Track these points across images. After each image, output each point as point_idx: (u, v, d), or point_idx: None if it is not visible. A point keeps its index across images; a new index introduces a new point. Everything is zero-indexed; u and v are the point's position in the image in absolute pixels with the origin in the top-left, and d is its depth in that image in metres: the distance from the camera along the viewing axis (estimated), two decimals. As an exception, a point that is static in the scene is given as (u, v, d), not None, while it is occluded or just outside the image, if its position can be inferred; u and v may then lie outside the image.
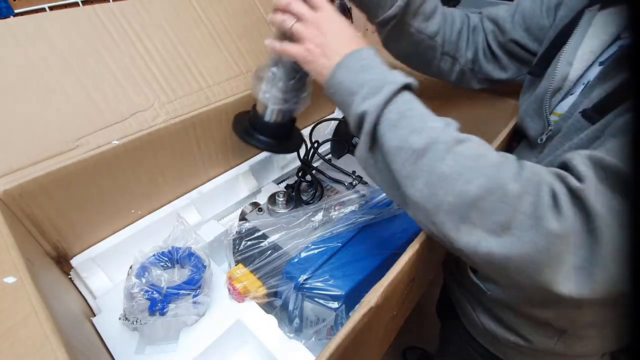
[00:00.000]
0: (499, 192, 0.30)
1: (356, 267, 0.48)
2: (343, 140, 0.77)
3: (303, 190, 0.62)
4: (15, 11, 1.27)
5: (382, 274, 0.36)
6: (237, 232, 0.56)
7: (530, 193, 0.30)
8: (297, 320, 0.49)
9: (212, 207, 0.69)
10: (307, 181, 0.63)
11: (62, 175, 0.48)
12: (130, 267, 0.49)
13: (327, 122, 0.84)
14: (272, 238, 0.53)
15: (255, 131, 0.58)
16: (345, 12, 1.09)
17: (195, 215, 0.66)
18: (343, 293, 0.45)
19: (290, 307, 0.49)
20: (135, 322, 0.45)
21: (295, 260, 0.49)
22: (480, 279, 0.54)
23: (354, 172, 0.65)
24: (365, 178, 0.64)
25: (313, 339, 0.49)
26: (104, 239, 0.57)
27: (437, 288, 0.85)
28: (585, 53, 0.43)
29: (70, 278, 0.54)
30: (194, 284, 0.48)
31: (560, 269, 0.29)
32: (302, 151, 0.67)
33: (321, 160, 0.68)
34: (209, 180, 0.70)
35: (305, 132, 0.83)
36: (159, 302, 0.45)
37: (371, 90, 0.37)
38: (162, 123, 0.57)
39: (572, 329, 0.47)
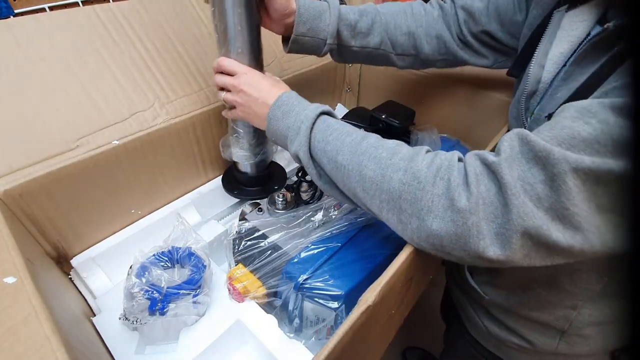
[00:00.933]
0: (415, 182, 0.35)
1: (356, 267, 0.48)
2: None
3: (303, 190, 0.62)
4: (15, 11, 1.27)
5: (382, 273, 0.37)
6: (237, 232, 0.56)
7: (442, 177, 0.34)
8: (297, 320, 0.49)
9: (212, 207, 0.69)
10: (307, 181, 0.63)
11: (62, 175, 0.48)
12: (130, 267, 0.49)
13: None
14: (272, 238, 0.53)
15: (242, 185, 0.67)
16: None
17: (195, 215, 0.66)
18: (343, 293, 0.45)
19: (290, 307, 0.49)
20: (135, 322, 0.45)
21: (295, 260, 0.49)
22: (477, 283, 0.55)
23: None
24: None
25: (313, 339, 0.49)
26: (104, 239, 0.57)
27: (438, 288, 0.84)
28: (555, 55, 0.43)
29: (70, 278, 0.54)
30: (194, 284, 0.48)
31: (482, 237, 0.32)
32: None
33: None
34: (209, 181, 0.70)
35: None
36: (159, 302, 0.45)
37: (294, 132, 0.43)
38: (162, 123, 0.57)
39: (572, 328, 0.48)
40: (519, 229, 0.30)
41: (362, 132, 0.42)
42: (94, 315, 0.50)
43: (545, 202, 0.30)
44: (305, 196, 0.62)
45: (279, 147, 0.65)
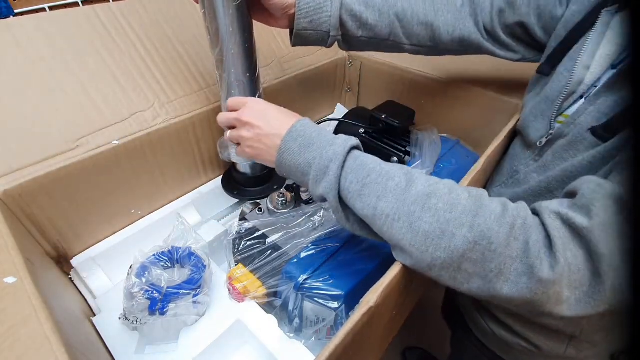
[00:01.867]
0: (485, 242, 0.31)
1: (356, 267, 0.48)
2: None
3: (303, 190, 0.62)
4: (15, 11, 1.27)
5: (382, 273, 0.36)
6: (237, 232, 0.56)
7: (517, 238, 0.31)
8: (297, 320, 0.49)
9: (212, 207, 0.69)
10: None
11: (62, 175, 0.48)
12: (130, 267, 0.49)
13: (327, 122, 0.84)
14: (272, 238, 0.53)
15: (242, 186, 0.67)
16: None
17: (195, 215, 0.66)
18: (343, 293, 0.45)
19: (290, 307, 0.49)
20: (135, 322, 0.45)
21: (295, 260, 0.49)
22: None
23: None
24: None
25: (313, 339, 0.49)
26: (104, 239, 0.57)
27: (438, 289, 0.84)
28: (602, 57, 0.42)
29: (70, 278, 0.54)
30: (194, 284, 0.48)
31: (561, 303, 0.30)
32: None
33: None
34: (209, 181, 0.70)
35: (305, 132, 0.84)
36: (159, 302, 0.45)
37: (320, 171, 0.38)
38: (162, 123, 0.57)
39: (582, 334, 0.47)
40: (610, 302, 0.28)
41: (403, 172, 0.37)
42: (94, 315, 0.50)
43: None
44: (305, 196, 0.62)
45: None
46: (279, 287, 0.49)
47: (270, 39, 0.77)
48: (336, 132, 0.82)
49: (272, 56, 0.75)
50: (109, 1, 0.62)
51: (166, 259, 0.51)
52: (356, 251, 0.51)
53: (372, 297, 0.34)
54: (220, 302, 0.52)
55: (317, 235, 0.52)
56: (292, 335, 0.49)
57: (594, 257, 0.28)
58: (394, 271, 0.36)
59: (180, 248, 0.52)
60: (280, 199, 0.60)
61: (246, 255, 0.53)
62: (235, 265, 0.54)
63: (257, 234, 0.54)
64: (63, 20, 0.53)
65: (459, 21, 0.56)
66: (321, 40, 0.55)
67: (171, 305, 0.45)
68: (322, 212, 0.55)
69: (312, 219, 0.55)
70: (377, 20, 0.54)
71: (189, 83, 0.62)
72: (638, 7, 0.27)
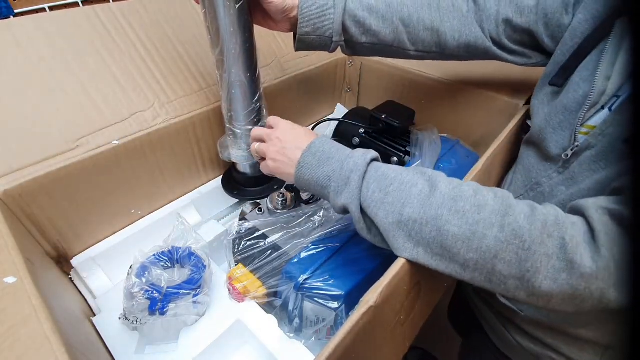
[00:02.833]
0: (517, 240, 0.31)
1: (356, 267, 0.48)
2: (343, 141, 0.77)
3: (303, 191, 0.62)
4: (15, 11, 1.27)
5: (383, 274, 0.36)
6: (237, 232, 0.56)
7: (551, 235, 0.30)
8: (297, 320, 0.49)
9: (212, 207, 0.69)
10: (305, 191, 0.63)
11: (62, 175, 0.48)
12: (130, 267, 0.49)
13: (327, 122, 0.84)
14: (272, 238, 0.53)
15: (242, 186, 0.67)
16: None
17: (195, 215, 0.66)
18: (343, 293, 0.45)
19: (290, 307, 0.49)
20: (135, 322, 0.45)
21: (295, 260, 0.49)
22: (512, 301, 0.52)
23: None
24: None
25: (313, 339, 0.49)
26: (104, 239, 0.57)
27: (445, 295, 0.83)
28: (622, 67, 0.41)
29: (70, 278, 0.54)
30: (194, 284, 0.48)
31: (607, 302, 0.29)
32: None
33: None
34: (209, 181, 0.70)
35: (305, 132, 0.83)
36: (159, 302, 0.45)
37: (341, 182, 0.39)
38: (162, 123, 0.57)
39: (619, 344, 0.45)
40: None
41: (424, 178, 0.37)
42: (94, 315, 0.50)
43: None
44: (305, 196, 0.62)
45: None
46: (279, 287, 0.49)
47: (270, 39, 0.77)
48: (336, 132, 0.82)
49: (272, 56, 0.75)
50: (109, 1, 0.62)
51: (166, 259, 0.51)
52: (356, 251, 0.51)
53: (372, 296, 0.34)
54: (220, 302, 0.52)
55: (317, 235, 0.52)
56: (292, 335, 0.49)
57: None
58: (394, 270, 0.36)
59: (180, 248, 0.52)
60: (280, 199, 0.60)
61: (246, 255, 0.53)
62: (235, 265, 0.54)
63: (257, 234, 0.54)
64: (63, 20, 0.53)
65: (465, 27, 0.55)
66: (324, 45, 0.55)
67: (171, 305, 0.45)
68: (322, 212, 0.55)
69: (312, 219, 0.55)
70: (381, 26, 0.54)
71: (189, 83, 0.62)
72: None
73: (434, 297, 0.57)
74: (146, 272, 0.48)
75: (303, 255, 0.49)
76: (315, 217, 0.55)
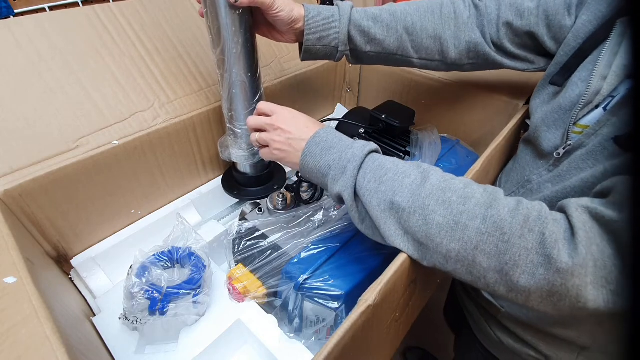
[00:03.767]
0: (498, 233, 0.31)
1: (356, 267, 0.48)
2: (343, 140, 0.77)
3: (303, 190, 0.62)
4: (15, 11, 1.27)
5: (382, 273, 0.36)
6: (237, 232, 0.56)
7: (532, 229, 0.31)
8: (297, 320, 0.49)
9: (212, 207, 0.69)
10: (307, 181, 0.63)
11: (62, 175, 0.48)
12: (130, 267, 0.49)
13: (327, 122, 0.84)
14: (272, 238, 0.53)
15: (242, 186, 0.67)
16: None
17: (195, 215, 0.66)
18: (343, 293, 0.45)
19: (290, 307, 0.49)
20: (135, 322, 0.45)
21: (295, 260, 0.49)
22: (494, 296, 0.53)
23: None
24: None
25: (313, 339, 0.49)
26: (104, 239, 0.57)
27: (443, 292, 0.83)
28: (619, 67, 0.41)
29: (71, 278, 0.54)
30: (194, 284, 0.48)
31: (584, 301, 0.29)
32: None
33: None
34: (209, 181, 0.70)
35: (305, 132, 0.83)
36: (159, 302, 0.45)
37: (338, 171, 0.40)
38: (162, 123, 0.57)
39: (595, 345, 0.46)
40: None
41: (419, 170, 0.38)
42: (94, 315, 0.50)
43: None
44: (305, 196, 0.62)
45: None
46: (279, 287, 0.49)
47: (270, 39, 0.77)
48: (336, 132, 0.82)
49: (272, 56, 0.76)
50: (109, 1, 0.62)
51: (166, 259, 0.51)
52: (356, 251, 0.51)
53: (370, 295, 0.34)
54: (220, 302, 0.52)
55: (317, 235, 0.52)
56: (292, 335, 0.49)
57: (621, 246, 0.28)
58: (392, 269, 0.36)
59: (180, 248, 0.52)
60: (280, 199, 0.60)
61: (246, 255, 0.53)
62: (235, 265, 0.54)
63: (257, 234, 0.54)
64: (63, 20, 0.53)
65: (465, 33, 0.56)
66: (330, 55, 0.57)
67: (171, 305, 0.45)
68: (322, 212, 0.55)
69: (312, 219, 0.55)
70: (386, 35, 0.55)
71: (189, 83, 0.62)
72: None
73: (427, 294, 0.58)
74: (146, 272, 0.48)
75: (303, 255, 0.49)
76: (315, 217, 0.55)
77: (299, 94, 0.82)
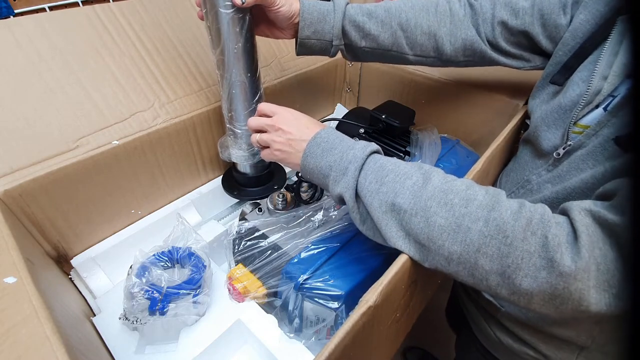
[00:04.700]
0: (500, 235, 0.31)
1: (356, 267, 0.48)
2: (343, 140, 0.77)
3: (303, 190, 0.62)
4: (15, 11, 1.27)
5: (383, 273, 0.36)
6: (237, 232, 0.56)
7: (534, 232, 0.30)
8: (297, 320, 0.49)
9: (212, 207, 0.69)
10: (307, 181, 0.63)
11: (62, 175, 0.48)
12: (130, 267, 0.49)
13: (326, 122, 0.84)
14: (272, 238, 0.53)
15: (242, 186, 0.67)
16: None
17: (195, 216, 0.66)
18: (343, 293, 0.45)
19: (290, 307, 0.49)
20: (135, 322, 0.45)
21: (295, 260, 0.49)
22: (493, 295, 0.53)
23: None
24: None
25: (313, 339, 0.49)
26: (104, 239, 0.57)
27: (444, 292, 0.83)
28: (619, 66, 0.41)
29: (71, 278, 0.54)
30: (194, 284, 0.48)
31: (586, 304, 0.29)
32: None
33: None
34: (209, 181, 0.70)
35: (305, 132, 0.83)
36: (159, 302, 0.45)
37: (339, 172, 0.40)
38: (162, 123, 0.57)
39: (594, 345, 0.46)
40: None
41: (421, 171, 0.38)
42: (94, 315, 0.50)
43: None
44: (305, 196, 0.62)
45: None
46: (279, 287, 0.49)
47: (270, 39, 0.77)
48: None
49: (272, 56, 0.76)
50: (109, 1, 0.62)
51: (166, 259, 0.51)
52: (356, 251, 0.51)
53: (371, 296, 0.34)
54: (220, 302, 0.52)
55: (317, 235, 0.52)
56: (292, 335, 0.49)
57: (624, 251, 0.27)
58: (393, 270, 0.36)
59: (180, 248, 0.52)
60: (280, 199, 0.60)
61: (246, 255, 0.53)
62: (235, 265, 0.54)
63: (257, 234, 0.54)
64: (63, 20, 0.53)
65: (461, 31, 0.56)
66: (325, 49, 0.57)
67: (171, 305, 0.45)
68: (322, 212, 0.55)
69: (312, 219, 0.55)
70: (380, 30, 0.56)
71: (189, 83, 0.62)
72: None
73: (427, 294, 0.58)
74: (146, 272, 0.48)
75: (303, 255, 0.49)
76: (315, 217, 0.55)
77: (299, 94, 0.82)
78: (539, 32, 0.53)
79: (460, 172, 0.61)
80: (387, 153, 0.72)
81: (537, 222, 0.31)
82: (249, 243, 0.54)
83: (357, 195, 0.40)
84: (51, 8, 1.36)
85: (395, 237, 0.37)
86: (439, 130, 0.73)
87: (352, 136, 0.76)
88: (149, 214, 0.62)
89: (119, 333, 0.47)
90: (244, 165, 0.65)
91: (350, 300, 0.46)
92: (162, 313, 0.45)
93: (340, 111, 1.00)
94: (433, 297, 0.87)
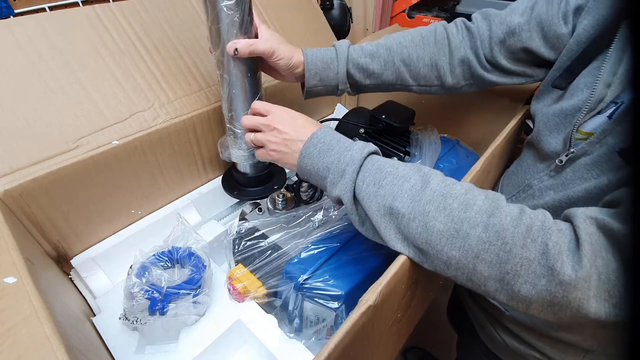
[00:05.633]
0: (499, 242, 0.31)
1: (356, 267, 0.48)
2: (343, 140, 0.77)
3: (303, 190, 0.62)
4: (15, 11, 1.27)
5: (383, 273, 0.36)
6: (237, 232, 0.56)
7: (534, 240, 0.30)
8: (297, 320, 0.49)
9: (212, 207, 0.69)
10: (307, 181, 0.63)
11: (62, 175, 0.48)
12: (130, 267, 0.49)
13: (327, 122, 0.84)
14: (272, 238, 0.53)
15: (242, 186, 0.67)
16: (345, 12, 1.09)
17: (195, 216, 0.66)
18: (343, 293, 0.45)
19: (290, 307, 0.49)
20: (135, 322, 0.45)
21: (295, 260, 0.49)
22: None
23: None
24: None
25: (313, 339, 0.49)
26: (104, 239, 0.57)
27: (444, 292, 0.83)
28: (622, 74, 0.40)
29: (71, 278, 0.54)
30: (194, 284, 0.48)
31: (585, 312, 0.29)
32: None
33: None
34: (209, 181, 0.70)
35: (305, 132, 0.83)
36: (159, 302, 0.45)
37: (337, 174, 0.40)
38: (162, 123, 0.57)
39: (599, 348, 0.46)
40: None
41: (419, 174, 0.37)
42: (94, 315, 0.50)
43: None
44: (305, 196, 0.62)
45: None
46: (279, 287, 0.49)
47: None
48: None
49: (272, 56, 0.75)
50: (109, 1, 0.62)
51: (166, 259, 0.51)
52: (356, 251, 0.51)
53: (370, 296, 0.34)
54: (220, 302, 0.52)
55: (317, 235, 0.52)
56: (292, 335, 0.49)
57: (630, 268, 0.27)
58: (392, 270, 0.36)
59: (180, 248, 0.52)
60: (280, 199, 0.60)
61: (246, 255, 0.53)
62: (235, 265, 0.54)
63: (257, 234, 0.54)
64: (63, 20, 0.53)
65: (459, 57, 0.57)
66: (331, 92, 0.59)
67: (171, 305, 0.45)
68: (322, 212, 0.55)
69: (312, 219, 0.55)
70: (383, 68, 0.57)
71: (189, 83, 0.62)
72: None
73: (429, 295, 0.57)
74: (146, 272, 0.48)
75: (303, 255, 0.49)
76: (315, 217, 0.55)
77: (299, 94, 0.82)
78: (540, 44, 0.53)
79: (460, 172, 0.62)
80: (387, 153, 0.72)
81: (537, 229, 0.31)
82: (249, 243, 0.54)
83: (355, 198, 0.39)
84: (51, 8, 1.36)
85: (394, 240, 0.37)
86: (439, 130, 0.73)
87: (352, 136, 0.77)
88: (149, 214, 0.62)
89: (119, 333, 0.47)
90: (244, 165, 0.65)
91: (350, 300, 0.46)
92: (162, 313, 0.45)
93: (340, 111, 1.00)
94: (435, 298, 0.87)
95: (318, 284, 0.46)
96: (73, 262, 0.54)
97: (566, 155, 0.46)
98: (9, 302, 0.31)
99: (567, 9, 0.50)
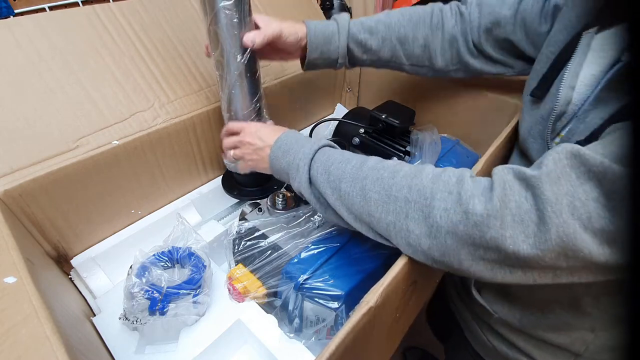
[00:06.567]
0: (421, 199, 0.34)
1: (356, 267, 0.48)
2: (343, 141, 0.77)
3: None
4: (15, 11, 1.27)
5: (383, 273, 0.36)
6: (237, 232, 0.56)
7: (451, 192, 0.33)
8: (297, 320, 0.49)
9: (212, 207, 0.69)
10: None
11: (62, 175, 0.48)
12: (130, 267, 0.49)
13: (327, 122, 0.84)
14: (272, 238, 0.53)
15: (242, 186, 0.68)
16: (345, 11, 1.09)
17: (195, 215, 0.66)
18: (343, 293, 0.45)
19: (290, 307, 0.49)
20: (135, 322, 0.45)
21: (295, 260, 0.49)
22: (486, 300, 0.53)
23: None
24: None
25: (313, 339, 0.49)
26: (104, 239, 0.57)
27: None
28: (587, 77, 0.42)
29: (71, 278, 0.54)
30: (194, 284, 0.48)
31: (502, 244, 0.30)
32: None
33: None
34: (209, 181, 0.70)
35: (306, 132, 0.83)
36: (159, 302, 0.45)
37: (294, 170, 0.44)
38: (162, 123, 0.57)
39: (588, 352, 0.46)
40: (556, 250, 0.28)
41: (362, 157, 0.41)
42: (94, 315, 0.50)
43: (596, 222, 0.27)
44: (305, 196, 0.62)
45: None
46: (279, 287, 0.49)
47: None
48: (336, 132, 0.82)
49: (272, 56, 0.75)
50: (109, 1, 0.62)
51: (166, 259, 0.51)
52: (356, 251, 0.51)
53: (372, 297, 0.34)
54: (220, 302, 0.52)
55: (318, 235, 0.52)
56: (292, 335, 0.49)
57: (539, 200, 0.29)
58: (394, 271, 0.36)
59: (180, 248, 0.52)
60: (280, 199, 0.60)
61: (246, 255, 0.53)
62: (235, 265, 0.54)
63: (257, 234, 0.54)
64: (63, 20, 0.53)
65: (450, 41, 0.60)
66: (330, 65, 0.61)
67: (171, 305, 0.45)
68: (322, 212, 0.55)
69: (312, 219, 0.55)
70: (381, 45, 0.60)
71: (189, 83, 0.62)
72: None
73: (425, 294, 0.58)
74: (146, 272, 0.48)
75: (303, 255, 0.49)
76: (315, 217, 0.55)
77: (299, 94, 0.82)
78: (522, 38, 0.56)
79: (460, 172, 0.61)
80: (387, 153, 0.72)
81: (453, 184, 0.33)
82: (249, 243, 0.54)
83: (316, 189, 0.42)
84: (51, 8, 1.36)
85: (348, 219, 0.40)
86: (439, 130, 0.73)
87: (352, 136, 0.77)
88: (149, 214, 0.62)
89: (119, 333, 0.47)
90: None
91: (350, 300, 0.46)
92: (162, 313, 0.45)
93: (340, 111, 1.00)
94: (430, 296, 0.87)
95: (318, 284, 0.46)
96: (73, 262, 0.54)
97: None
98: (9, 302, 0.31)
99: (548, 8, 0.52)
